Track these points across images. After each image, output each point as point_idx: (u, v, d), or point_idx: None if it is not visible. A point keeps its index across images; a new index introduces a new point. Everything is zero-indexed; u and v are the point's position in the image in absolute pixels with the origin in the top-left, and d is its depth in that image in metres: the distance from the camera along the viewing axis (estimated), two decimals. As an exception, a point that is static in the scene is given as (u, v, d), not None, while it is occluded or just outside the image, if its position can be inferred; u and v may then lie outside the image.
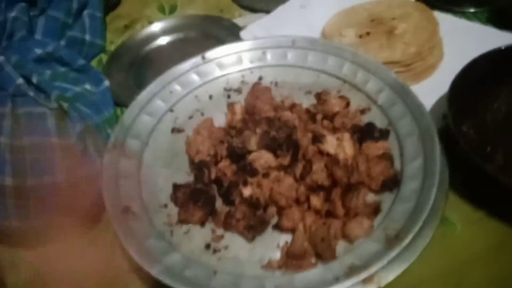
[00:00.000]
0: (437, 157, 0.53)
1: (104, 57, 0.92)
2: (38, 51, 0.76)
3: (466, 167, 0.60)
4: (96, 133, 0.62)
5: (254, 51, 0.72)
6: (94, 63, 0.91)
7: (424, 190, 0.51)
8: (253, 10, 1.03)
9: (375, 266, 0.46)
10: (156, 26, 0.99)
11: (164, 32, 0.99)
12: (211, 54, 0.72)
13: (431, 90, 0.71)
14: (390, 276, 0.47)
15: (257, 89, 0.65)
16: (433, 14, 0.84)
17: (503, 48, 0.67)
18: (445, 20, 0.87)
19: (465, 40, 0.83)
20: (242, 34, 0.92)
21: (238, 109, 0.64)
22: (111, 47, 0.95)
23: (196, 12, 1.05)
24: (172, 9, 1.07)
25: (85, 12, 0.95)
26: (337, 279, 0.46)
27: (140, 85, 0.79)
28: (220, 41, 0.92)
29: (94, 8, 0.96)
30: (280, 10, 0.98)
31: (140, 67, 0.90)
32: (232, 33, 0.94)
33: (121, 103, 0.76)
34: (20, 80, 0.65)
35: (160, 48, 0.96)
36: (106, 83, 0.76)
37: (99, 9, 0.96)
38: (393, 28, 0.84)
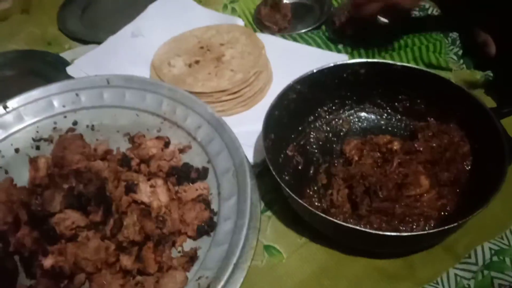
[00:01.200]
0: (248, 195, 0.52)
1: None
2: None
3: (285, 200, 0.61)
4: None
5: (66, 93, 0.66)
6: None
7: (236, 231, 0.51)
8: (84, 41, 0.96)
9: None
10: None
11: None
12: (14, 102, 0.64)
13: (262, 114, 0.71)
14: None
15: (65, 139, 0.60)
16: (258, 38, 0.86)
17: (314, 71, 0.70)
18: (273, 42, 0.89)
19: (292, 61, 0.86)
20: (69, 69, 0.86)
21: (42, 164, 0.58)
22: None
23: (19, 46, 0.96)
24: (-11, 46, 0.96)
25: None
26: None
27: None
28: (44, 79, 0.85)
29: None
30: (111, 40, 0.93)
31: None
32: (57, 69, 0.88)
33: None
34: None
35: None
36: None
37: None
38: (221, 55, 0.84)
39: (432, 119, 0.68)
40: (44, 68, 0.89)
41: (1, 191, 0.55)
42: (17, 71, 0.89)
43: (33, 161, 0.58)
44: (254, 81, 0.80)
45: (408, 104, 0.72)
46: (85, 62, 0.87)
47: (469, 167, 0.63)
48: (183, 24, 0.93)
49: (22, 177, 0.60)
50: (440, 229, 0.52)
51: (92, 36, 0.96)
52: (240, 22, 0.93)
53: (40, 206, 0.52)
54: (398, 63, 0.71)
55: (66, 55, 0.93)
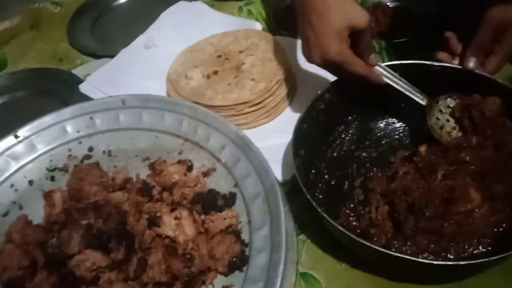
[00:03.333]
0: (283, 224, 0.47)
1: None
2: None
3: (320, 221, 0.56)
4: None
5: (80, 117, 0.62)
6: None
7: (271, 267, 0.46)
8: (96, 55, 0.93)
9: None
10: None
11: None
12: (25, 130, 0.60)
13: (287, 124, 0.66)
14: None
15: (81, 170, 0.56)
16: (279, 43, 0.80)
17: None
18: (295, 46, 0.84)
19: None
20: (82, 87, 0.82)
21: (58, 198, 0.54)
22: None
23: (29, 65, 0.93)
24: (1, 66, 0.93)
25: None
26: None
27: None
28: (56, 98, 0.82)
29: None
30: (123, 53, 0.89)
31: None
32: (69, 87, 0.84)
33: None
34: None
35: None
36: None
37: None
38: (241, 63, 0.79)
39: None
40: (56, 87, 0.86)
41: (15, 232, 0.51)
42: (28, 92, 0.86)
43: (47, 196, 0.54)
44: (277, 89, 0.75)
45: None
46: (98, 78, 0.84)
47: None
48: (198, 31, 0.89)
49: (39, 212, 0.56)
50: (502, 255, 0.46)
51: (104, 49, 0.93)
52: (258, 26, 0.88)
53: (57, 247, 0.47)
54: (435, 63, 0.65)
55: (78, 71, 0.90)
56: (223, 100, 0.72)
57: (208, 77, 0.78)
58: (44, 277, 0.47)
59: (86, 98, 0.79)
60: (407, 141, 0.68)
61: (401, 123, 0.70)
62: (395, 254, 0.50)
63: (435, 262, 0.48)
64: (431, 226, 0.54)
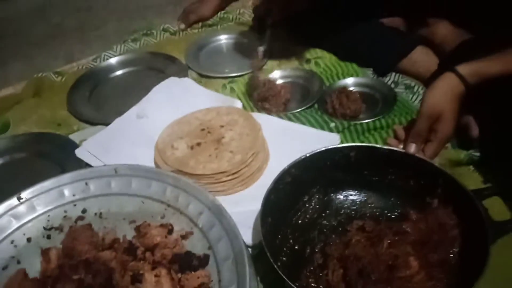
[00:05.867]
0: (247, 284, 0.56)
1: None
2: None
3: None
4: None
5: (76, 183, 0.71)
6: None
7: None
8: (92, 123, 1.02)
9: None
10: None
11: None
12: (28, 192, 0.69)
13: (260, 192, 0.75)
14: None
15: (75, 230, 0.64)
16: (255, 120, 0.92)
17: (307, 155, 0.75)
18: (269, 122, 0.96)
19: (287, 139, 0.92)
20: (77, 152, 0.91)
21: (53, 255, 0.61)
22: None
23: (30, 129, 1.02)
24: (4, 128, 1.02)
25: None
26: None
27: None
28: (52, 161, 0.90)
29: None
30: (117, 122, 0.99)
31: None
32: (65, 151, 0.93)
33: None
34: None
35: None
36: None
37: None
38: (221, 137, 0.89)
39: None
40: (54, 151, 0.94)
41: (14, 285, 0.58)
42: (27, 154, 0.94)
43: (44, 253, 0.62)
44: (252, 161, 0.85)
45: (399, 184, 0.76)
46: (93, 144, 0.93)
47: (458, 249, 0.67)
48: (185, 104, 1.00)
49: (34, 267, 0.64)
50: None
51: (99, 118, 1.03)
52: (238, 103, 1.00)
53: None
54: (385, 147, 0.76)
55: (75, 136, 0.99)
56: (204, 170, 0.82)
57: (192, 148, 0.88)
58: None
59: (81, 162, 0.88)
60: (363, 211, 0.78)
61: (358, 195, 0.80)
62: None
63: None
64: (377, 288, 0.63)
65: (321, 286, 0.67)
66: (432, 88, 0.75)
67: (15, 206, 0.68)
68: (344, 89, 1.00)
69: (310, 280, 0.69)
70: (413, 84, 1.03)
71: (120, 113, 0.99)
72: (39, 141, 0.97)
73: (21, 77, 1.16)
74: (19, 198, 0.68)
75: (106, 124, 0.98)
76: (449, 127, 0.74)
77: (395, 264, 0.65)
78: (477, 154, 0.82)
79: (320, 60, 1.12)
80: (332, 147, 0.76)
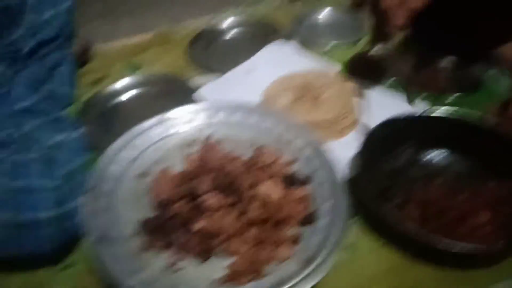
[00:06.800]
0: (343, 201, 0.72)
1: (75, 108, 1.06)
2: (16, 106, 0.88)
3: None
4: (76, 176, 0.76)
5: (207, 111, 0.89)
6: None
7: (333, 225, 0.70)
8: (210, 70, 1.20)
9: (294, 280, 0.63)
10: (122, 82, 1.14)
11: (129, 87, 1.14)
12: (168, 114, 0.88)
13: (353, 142, 0.89)
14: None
15: (208, 145, 0.83)
16: (349, 85, 1.06)
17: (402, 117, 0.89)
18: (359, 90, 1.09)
19: (377, 103, 1.06)
20: (194, 95, 1.09)
21: (193, 160, 0.80)
22: (82, 99, 1.09)
23: (158, 71, 1.21)
24: (137, 68, 1.23)
25: (60, 68, 1.08)
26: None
27: (109, 132, 0.95)
28: (175, 99, 1.08)
29: (67, 65, 1.09)
30: (228, 75, 1.16)
31: (109, 118, 1.05)
32: (185, 92, 1.11)
33: (94, 148, 0.89)
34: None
35: (126, 101, 1.11)
36: (81, 131, 0.88)
37: (72, 65, 1.09)
38: (318, 95, 1.04)
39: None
40: (177, 90, 1.13)
41: (163, 176, 0.78)
42: (158, 90, 1.15)
43: (187, 157, 0.81)
44: (344, 119, 0.99)
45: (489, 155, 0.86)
46: (207, 91, 1.11)
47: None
48: (291, 64, 1.15)
49: (172, 168, 0.83)
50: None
51: (215, 67, 1.20)
52: (336, 69, 1.14)
53: (194, 187, 0.74)
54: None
55: (193, 80, 1.17)
56: (303, 118, 0.98)
57: (293, 100, 1.04)
58: (184, 203, 0.73)
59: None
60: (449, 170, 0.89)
61: (447, 157, 0.91)
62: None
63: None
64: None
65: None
66: None
67: (160, 122, 0.87)
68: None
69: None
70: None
71: (233, 65, 1.16)
72: (166, 81, 1.16)
73: (152, 26, 1.35)
74: (162, 117, 0.87)
75: (223, 71, 1.15)
76: None
77: (470, 211, 0.77)
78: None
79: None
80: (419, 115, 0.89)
